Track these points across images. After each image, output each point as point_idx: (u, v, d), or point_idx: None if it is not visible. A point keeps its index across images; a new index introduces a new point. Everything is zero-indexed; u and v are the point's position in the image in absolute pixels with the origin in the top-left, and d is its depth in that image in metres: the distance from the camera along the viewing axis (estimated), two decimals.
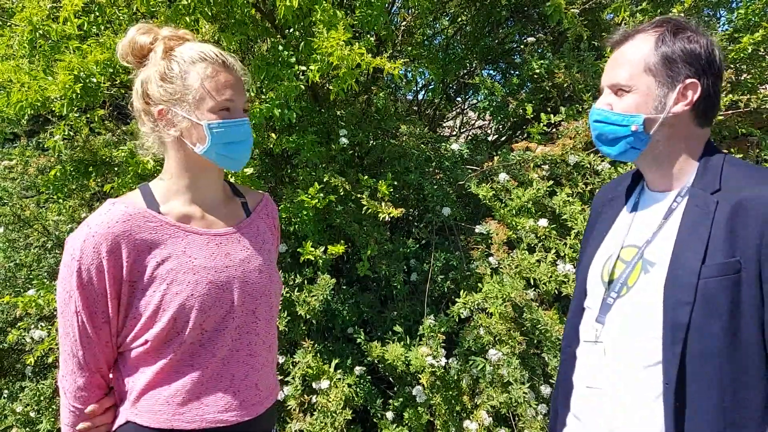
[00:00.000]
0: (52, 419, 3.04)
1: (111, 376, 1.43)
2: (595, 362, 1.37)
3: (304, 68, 2.68)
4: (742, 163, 1.29)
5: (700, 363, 1.17)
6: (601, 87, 1.39)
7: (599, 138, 1.37)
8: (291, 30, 2.97)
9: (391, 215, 2.75)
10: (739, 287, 1.14)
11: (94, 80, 2.57)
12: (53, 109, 2.61)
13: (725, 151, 1.34)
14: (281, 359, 2.90)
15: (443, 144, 3.50)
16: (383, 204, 2.81)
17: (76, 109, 2.80)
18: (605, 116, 1.34)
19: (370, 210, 2.81)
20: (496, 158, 3.19)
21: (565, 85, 3.42)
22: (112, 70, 2.61)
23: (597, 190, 1.81)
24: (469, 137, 4.68)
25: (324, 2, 2.52)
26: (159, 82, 1.37)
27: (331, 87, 2.60)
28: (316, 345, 2.93)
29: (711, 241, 1.18)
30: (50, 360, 2.97)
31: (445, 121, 5.01)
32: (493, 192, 3.01)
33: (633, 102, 1.30)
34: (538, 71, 3.48)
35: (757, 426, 1.14)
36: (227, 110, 1.39)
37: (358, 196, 2.84)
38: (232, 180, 2.66)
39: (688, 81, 1.27)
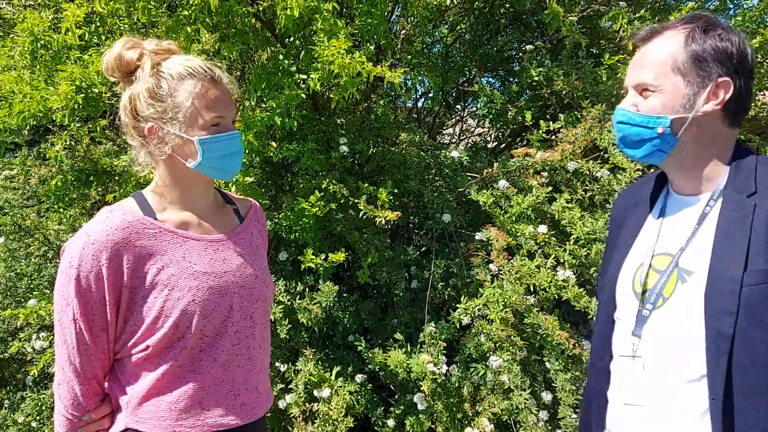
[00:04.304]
0: (53, 429, 3.03)
1: (106, 384, 1.43)
2: (633, 378, 1.29)
3: (304, 77, 2.69)
4: None
5: (747, 374, 1.11)
6: (624, 87, 1.34)
7: (623, 140, 1.32)
8: (291, 39, 2.99)
9: (388, 219, 2.75)
10: None
11: (96, 90, 2.58)
12: (55, 119, 2.62)
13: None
14: (283, 367, 2.90)
15: (443, 151, 3.50)
16: (380, 209, 2.81)
17: (77, 119, 2.81)
18: (630, 117, 1.28)
19: (367, 214, 2.82)
20: (495, 165, 3.20)
21: (563, 92, 3.43)
22: (113, 80, 2.62)
23: (618, 194, 1.75)
24: (469, 144, 4.69)
25: (324, 12, 2.53)
26: (149, 100, 1.37)
27: (332, 95, 2.61)
28: (317, 353, 2.93)
29: (751, 246, 1.12)
30: (51, 370, 2.97)
31: (444, 128, 5.02)
32: (493, 199, 3.02)
33: (659, 102, 1.24)
34: (537, 78, 3.49)
35: None
36: (217, 125, 1.39)
37: (356, 201, 2.84)
38: (232, 188, 2.67)
39: (721, 80, 1.21)
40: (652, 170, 2.96)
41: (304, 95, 2.71)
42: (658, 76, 1.24)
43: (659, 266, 1.28)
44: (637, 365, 1.27)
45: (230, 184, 2.70)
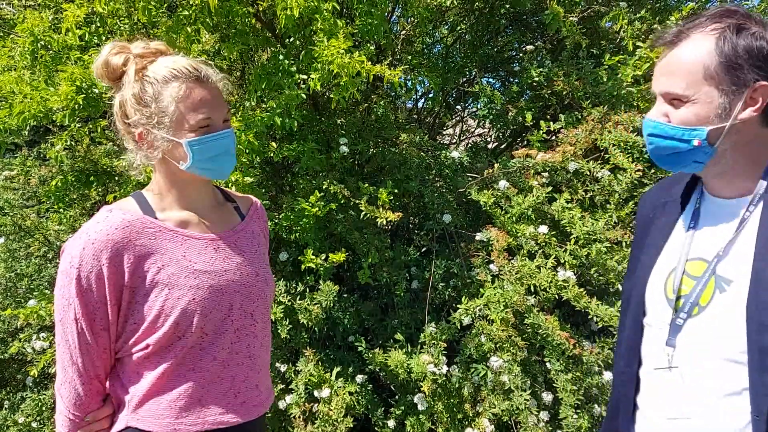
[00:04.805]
0: (54, 429, 3.03)
1: (108, 383, 1.43)
2: (673, 390, 1.22)
3: (304, 77, 2.69)
4: None
5: None
6: (652, 91, 1.23)
7: (656, 153, 1.22)
8: (291, 39, 2.99)
9: (389, 219, 2.75)
10: None
11: (96, 90, 2.58)
12: (55, 119, 2.62)
13: None
14: (283, 368, 2.90)
15: (443, 152, 3.50)
16: (381, 209, 2.81)
17: (77, 119, 2.81)
18: (662, 129, 1.18)
19: (368, 215, 2.82)
20: (496, 165, 3.20)
21: (564, 92, 3.43)
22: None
23: (644, 193, 1.60)
24: (469, 145, 4.68)
25: (325, 12, 2.53)
26: (135, 106, 1.37)
27: (332, 96, 2.61)
28: (317, 353, 2.93)
29: None
30: (52, 371, 2.97)
31: (444, 129, 5.02)
32: (494, 199, 3.02)
33: (693, 113, 1.14)
34: (537, 79, 3.49)
35: None
36: (207, 126, 1.38)
37: (357, 202, 2.84)
38: (232, 189, 2.67)
39: (758, 84, 1.11)
40: (652, 171, 2.97)
41: (304, 95, 2.71)
42: (690, 86, 1.13)
43: (694, 272, 1.21)
44: (675, 377, 1.21)
45: (230, 185, 2.70)
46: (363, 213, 2.83)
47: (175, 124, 1.35)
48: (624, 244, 2.82)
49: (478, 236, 3.06)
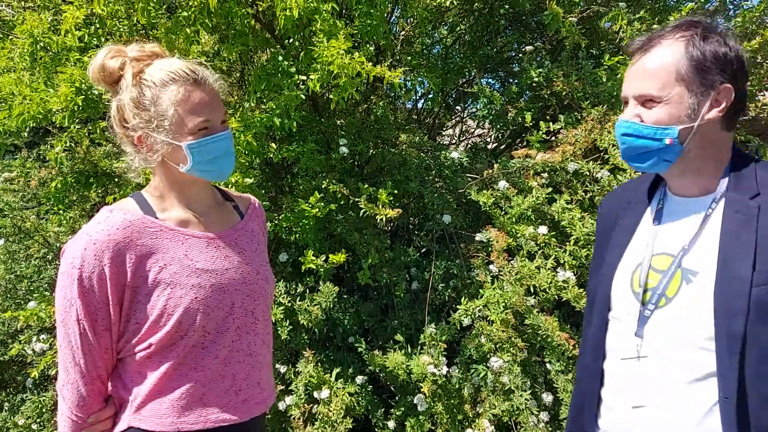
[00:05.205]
0: (54, 431, 3.02)
1: (109, 383, 1.43)
2: (640, 380, 1.28)
3: (304, 78, 2.69)
4: None
5: (759, 373, 1.12)
6: (623, 96, 1.31)
7: (627, 152, 1.30)
8: (291, 40, 2.99)
9: (389, 216, 2.75)
10: None
11: (95, 92, 2.58)
12: (54, 121, 2.62)
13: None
14: (283, 369, 2.90)
15: (443, 152, 3.50)
16: (380, 206, 2.81)
17: (77, 121, 2.81)
18: (636, 129, 1.26)
19: (367, 213, 2.82)
20: (496, 166, 3.20)
21: (563, 93, 3.43)
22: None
23: (605, 195, 1.70)
24: (469, 145, 4.68)
25: (324, 12, 2.53)
26: (134, 110, 1.37)
27: (331, 96, 2.61)
28: (317, 354, 2.93)
29: (759, 247, 1.14)
30: (52, 372, 2.97)
31: (444, 129, 5.02)
32: (493, 200, 3.02)
33: (666, 113, 1.23)
34: (536, 79, 3.49)
35: None
36: (206, 128, 1.38)
37: (356, 200, 2.84)
38: (232, 190, 2.67)
39: (722, 87, 1.21)
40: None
41: (303, 96, 2.71)
42: (664, 87, 1.22)
43: (660, 266, 1.28)
44: (644, 366, 1.27)
45: (230, 186, 2.70)
46: (363, 212, 2.83)
47: (174, 127, 1.36)
48: None
49: (478, 237, 3.06)
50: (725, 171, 1.26)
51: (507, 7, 4.01)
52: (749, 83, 3.46)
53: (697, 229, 1.25)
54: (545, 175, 3.12)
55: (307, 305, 2.90)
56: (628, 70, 1.31)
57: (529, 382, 2.72)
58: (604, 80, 3.30)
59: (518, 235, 2.92)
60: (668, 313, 1.24)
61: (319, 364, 2.89)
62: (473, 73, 4.30)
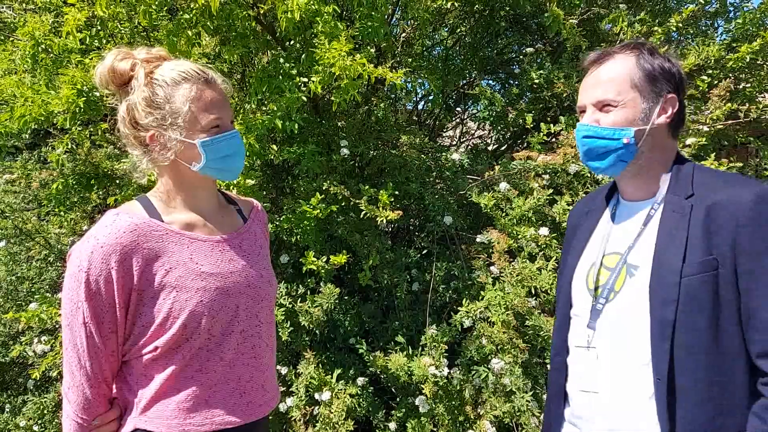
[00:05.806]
0: None
1: (114, 386, 1.43)
2: (588, 367, 1.41)
3: (305, 80, 2.70)
4: (710, 170, 1.40)
5: (687, 356, 1.23)
6: (581, 105, 1.44)
7: (588, 153, 1.42)
8: (292, 42, 2.99)
9: (390, 218, 2.75)
10: (718, 283, 1.23)
11: (97, 94, 2.58)
12: (56, 123, 2.62)
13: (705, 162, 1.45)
14: (284, 370, 2.90)
15: (443, 154, 3.51)
16: (381, 208, 2.81)
17: (78, 122, 2.81)
18: (596, 131, 1.38)
19: (368, 214, 2.82)
20: (496, 167, 3.20)
21: (564, 94, 3.43)
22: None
23: (572, 207, 1.86)
24: (470, 147, 4.69)
25: (325, 14, 2.54)
26: (146, 109, 1.38)
27: (332, 98, 2.61)
28: (318, 356, 2.93)
29: (689, 241, 1.26)
30: (54, 374, 2.97)
31: (445, 131, 5.02)
32: (494, 201, 3.02)
33: (622, 116, 1.36)
34: (537, 81, 3.50)
35: (744, 410, 1.22)
36: (217, 126, 1.41)
37: (357, 202, 2.85)
38: (233, 191, 2.67)
39: (669, 96, 1.37)
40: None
41: (304, 98, 2.71)
42: (620, 92, 1.37)
43: (609, 264, 1.42)
44: (591, 355, 1.40)
45: (232, 188, 2.70)
46: (363, 213, 2.83)
47: (188, 124, 1.38)
48: None
49: (479, 238, 3.07)
50: (669, 176, 1.39)
51: (507, 9, 4.01)
52: (750, 85, 3.48)
53: (641, 228, 1.38)
54: (546, 176, 3.12)
55: (308, 306, 2.90)
56: (584, 81, 1.45)
57: (530, 384, 2.73)
58: None
59: (519, 236, 2.92)
60: (616, 306, 1.37)
61: (320, 365, 2.89)
62: (474, 75, 4.31)
